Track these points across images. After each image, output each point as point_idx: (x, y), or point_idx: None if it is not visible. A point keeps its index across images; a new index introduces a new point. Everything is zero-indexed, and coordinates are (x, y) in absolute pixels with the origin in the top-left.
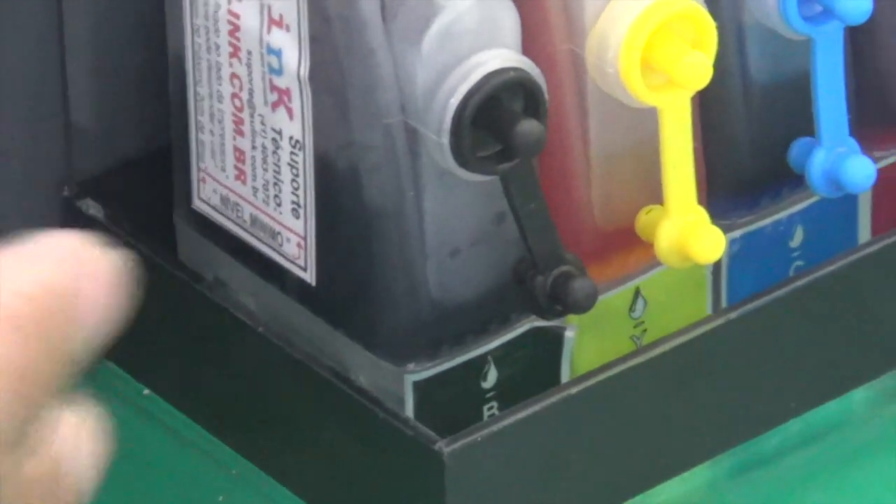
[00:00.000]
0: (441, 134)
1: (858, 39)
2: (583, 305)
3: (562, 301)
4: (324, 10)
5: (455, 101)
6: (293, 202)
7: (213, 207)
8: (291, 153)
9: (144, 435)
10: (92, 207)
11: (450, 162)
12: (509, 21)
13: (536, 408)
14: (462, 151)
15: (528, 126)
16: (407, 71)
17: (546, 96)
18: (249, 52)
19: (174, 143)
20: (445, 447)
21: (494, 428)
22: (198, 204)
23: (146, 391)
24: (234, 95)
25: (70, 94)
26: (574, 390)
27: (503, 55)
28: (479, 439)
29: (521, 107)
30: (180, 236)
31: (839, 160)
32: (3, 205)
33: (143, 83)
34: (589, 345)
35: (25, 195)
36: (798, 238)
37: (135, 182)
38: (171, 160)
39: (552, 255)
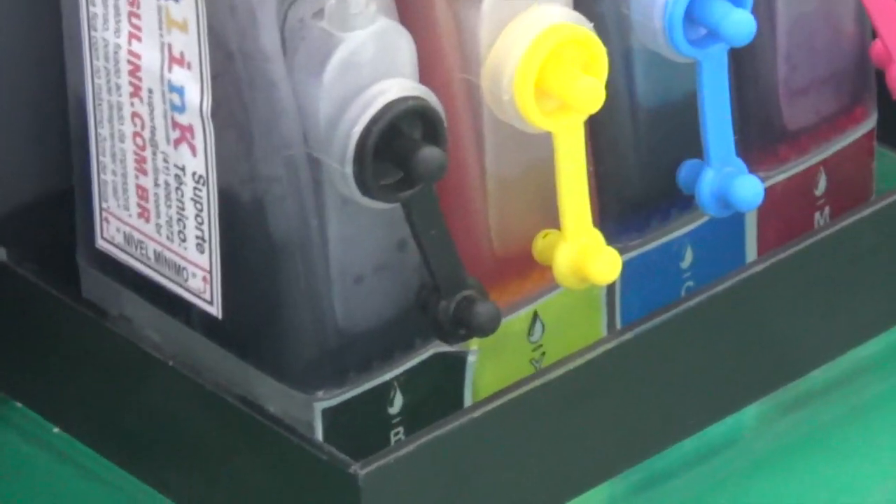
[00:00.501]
0: (344, 163)
1: (741, 61)
2: (487, 328)
3: (466, 325)
4: (225, 45)
5: (357, 131)
6: (197, 237)
7: (117, 246)
8: (195, 188)
9: (56, 473)
10: None
11: (353, 190)
12: (407, 50)
13: (443, 431)
14: (365, 180)
15: (429, 153)
16: (308, 103)
17: (445, 124)
18: (150, 91)
19: (76, 183)
20: (360, 470)
21: (406, 450)
22: (101, 243)
23: (56, 429)
24: (136, 134)
25: None
26: (477, 413)
27: (402, 84)
28: (392, 461)
29: (421, 134)
30: (84, 276)
31: (727, 180)
32: None
33: (42, 125)
34: (490, 368)
35: None
36: (688, 259)
37: (37, 223)
38: (74, 201)
39: (455, 279)
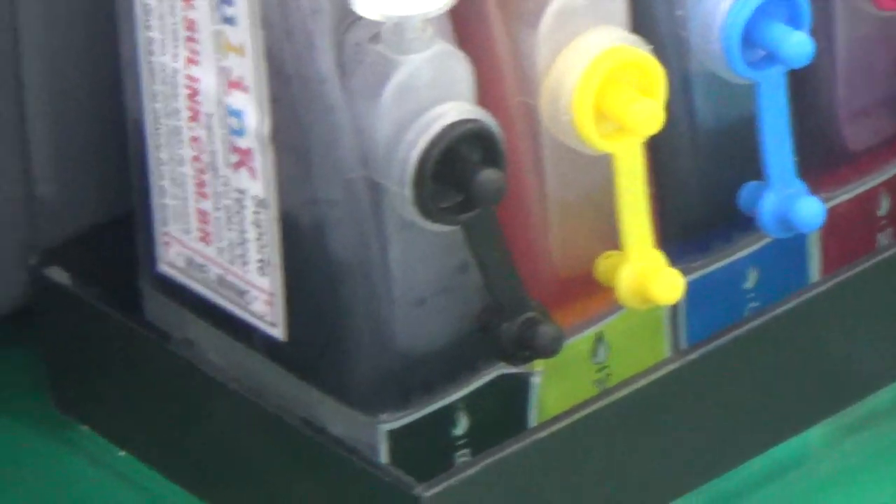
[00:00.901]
0: (403, 186)
1: (801, 82)
2: (550, 350)
3: (529, 346)
4: (282, 69)
5: (416, 154)
6: (259, 260)
7: (179, 270)
8: (255, 212)
9: (121, 496)
10: (58, 275)
11: (413, 213)
12: (464, 74)
13: (508, 452)
14: (424, 203)
15: (489, 175)
16: (367, 126)
17: (504, 146)
18: (209, 115)
19: (137, 208)
20: (424, 492)
21: (470, 472)
22: (163, 267)
23: (121, 452)
24: (195, 158)
25: (32, 163)
26: (542, 434)
27: (460, 107)
28: (456, 483)
29: (480, 157)
30: (146, 300)
31: (788, 202)
32: None
33: (103, 151)
34: (554, 390)
35: None
36: (752, 279)
37: (100, 248)
38: (135, 225)
39: (516, 301)
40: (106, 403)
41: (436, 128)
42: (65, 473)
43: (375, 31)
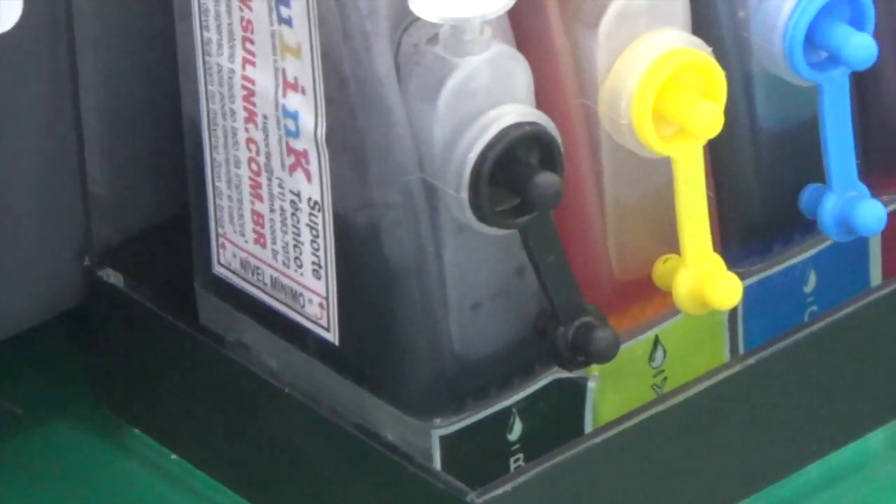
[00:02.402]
0: (459, 189)
1: (864, 84)
2: (606, 355)
3: (584, 351)
4: (339, 71)
5: (472, 157)
6: (314, 263)
7: (234, 272)
8: (310, 215)
9: (173, 499)
10: (113, 276)
11: (469, 217)
12: (522, 76)
13: (563, 458)
14: (481, 206)
15: (546, 179)
16: (423, 128)
17: (562, 149)
18: (265, 117)
19: (192, 209)
20: (477, 499)
21: (523, 478)
22: (218, 269)
23: (173, 456)
24: (251, 160)
25: (87, 164)
26: (598, 440)
27: (518, 110)
28: (510, 489)
29: (538, 160)
30: (201, 302)
31: (850, 205)
32: (25, 275)
33: (158, 151)
34: (610, 394)
35: (46, 266)
36: (811, 283)
37: (154, 249)
38: (190, 226)
39: (573, 306)
40: (158, 406)
41: (493, 130)
42: (116, 476)
43: (433, 33)
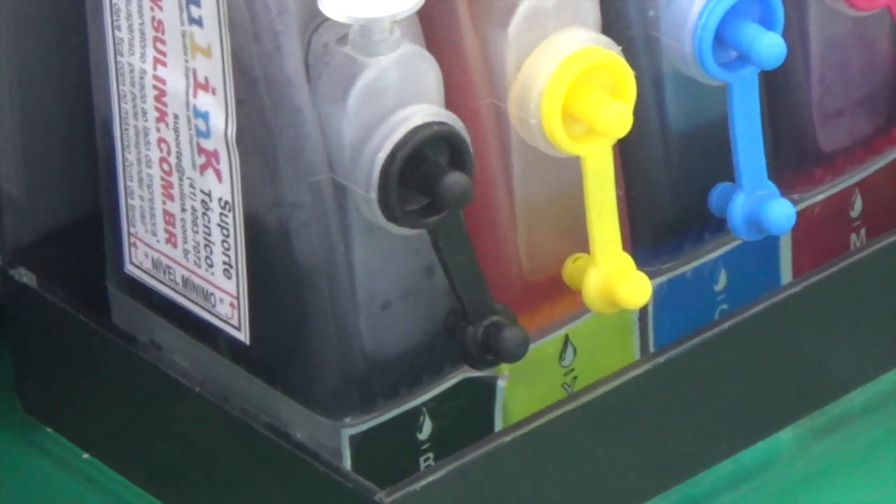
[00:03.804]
0: (369, 189)
1: (772, 83)
2: (515, 354)
3: (494, 350)
4: (249, 71)
5: (382, 157)
6: (224, 263)
7: (145, 271)
8: (221, 214)
9: (85, 499)
10: (24, 276)
11: (378, 217)
12: (432, 76)
13: (472, 456)
14: (390, 206)
15: (455, 178)
16: (333, 129)
17: (471, 149)
18: (176, 117)
19: (104, 208)
20: (386, 498)
21: (433, 477)
22: (130, 268)
23: (86, 455)
24: (162, 160)
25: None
26: (507, 438)
27: (427, 110)
28: (419, 489)
29: (447, 160)
30: (113, 301)
31: (759, 203)
32: None
33: (71, 151)
34: (521, 393)
35: None
36: (722, 281)
37: (67, 248)
38: (102, 225)
39: (482, 305)
40: (72, 406)
41: (402, 130)
42: (29, 475)
43: (343, 33)
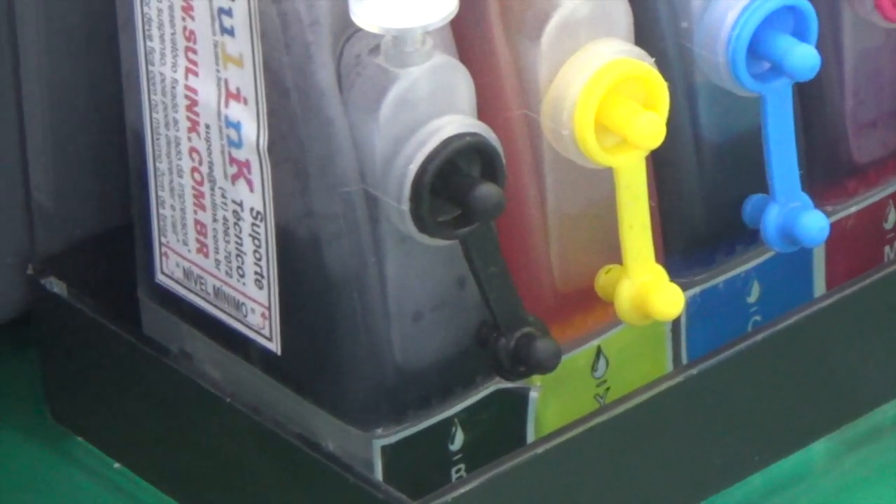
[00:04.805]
0: (401, 200)
1: (806, 95)
2: (546, 366)
3: (525, 362)
4: (281, 82)
5: (413, 168)
6: (256, 273)
7: (177, 281)
8: (253, 224)
9: None
10: (56, 285)
11: (410, 228)
12: (464, 87)
13: (504, 468)
14: (422, 217)
15: (487, 190)
16: (365, 139)
17: (503, 160)
18: (208, 126)
19: (135, 218)
20: None
21: (464, 489)
22: (161, 278)
23: (116, 465)
24: (193, 169)
25: (30, 173)
26: (540, 450)
27: (459, 121)
28: (450, 500)
29: (479, 171)
30: (144, 311)
31: (793, 215)
32: None
33: (102, 160)
34: (553, 405)
35: None
36: (755, 293)
37: (97, 258)
38: (133, 235)
39: (514, 316)
40: (102, 415)
41: (434, 141)
42: (59, 485)
43: (375, 44)
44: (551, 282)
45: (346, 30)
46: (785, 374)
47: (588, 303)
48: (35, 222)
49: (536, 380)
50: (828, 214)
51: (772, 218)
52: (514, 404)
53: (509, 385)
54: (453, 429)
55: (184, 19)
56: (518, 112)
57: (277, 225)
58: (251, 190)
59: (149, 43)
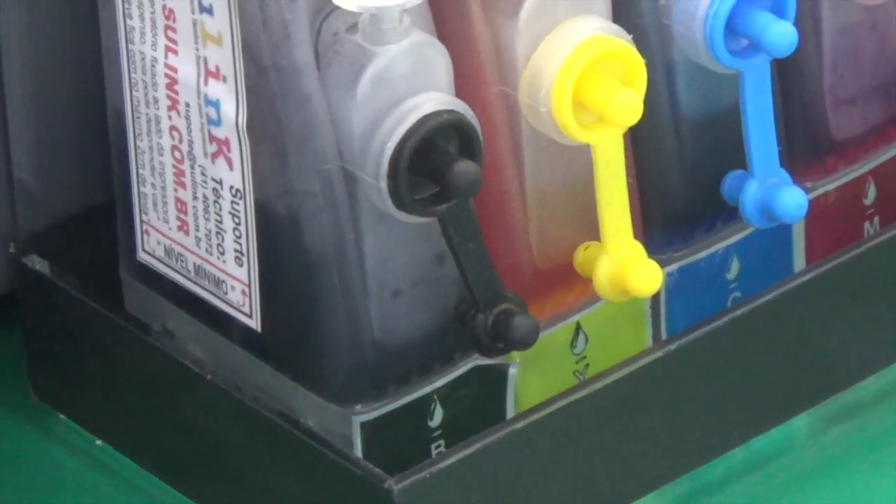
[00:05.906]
0: (379, 177)
1: (785, 71)
2: (525, 342)
3: (504, 338)
4: (259, 60)
5: (391, 145)
6: (236, 250)
7: (158, 259)
8: (232, 202)
9: (98, 485)
10: (38, 263)
11: (388, 205)
12: (442, 64)
13: (483, 443)
14: (400, 194)
15: (464, 167)
16: (343, 117)
17: (481, 137)
18: (188, 105)
19: (117, 196)
20: (395, 485)
21: (443, 464)
22: (142, 256)
23: (98, 442)
24: (174, 148)
25: (12, 150)
26: (519, 425)
27: (437, 98)
28: (428, 476)
29: (457, 148)
30: (126, 289)
31: (772, 191)
32: None
33: (83, 139)
34: (532, 381)
35: None
36: (734, 269)
37: (79, 237)
38: (115, 213)
39: (492, 293)
40: (84, 392)
41: (411, 119)
42: (41, 462)
43: (353, 22)
44: (530, 258)
45: (323, 8)
46: (765, 350)
47: (567, 279)
48: (17, 201)
49: (515, 356)
50: (807, 191)
51: (750, 194)
52: (494, 380)
53: (488, 362)
54: (432, 405)
55: None
56: (496, 89)
57: (257, 202)
58: (231, 168)
59: (128, 21)
